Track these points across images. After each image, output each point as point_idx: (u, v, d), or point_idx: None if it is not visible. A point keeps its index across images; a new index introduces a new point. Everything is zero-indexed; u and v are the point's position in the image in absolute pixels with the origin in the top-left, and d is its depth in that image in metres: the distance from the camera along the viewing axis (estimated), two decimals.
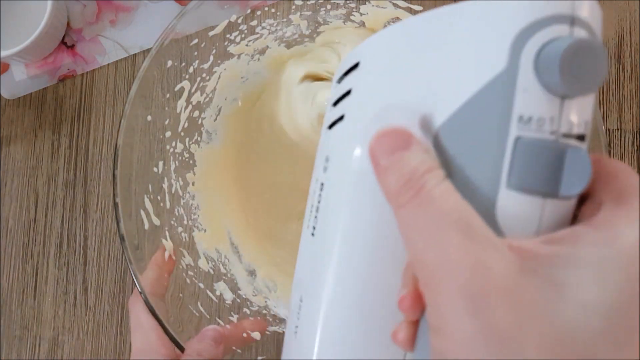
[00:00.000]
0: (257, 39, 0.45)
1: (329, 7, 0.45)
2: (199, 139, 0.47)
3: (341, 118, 0.27)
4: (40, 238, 0.54)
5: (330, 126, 0.27)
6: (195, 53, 0.43)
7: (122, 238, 0.37)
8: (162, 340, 0.35)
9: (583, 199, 0.22)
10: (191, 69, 0.43)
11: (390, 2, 0.44)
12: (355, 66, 0.27)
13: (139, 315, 0.36)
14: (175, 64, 0.42)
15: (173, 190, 0.44)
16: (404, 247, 0.21)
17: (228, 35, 0.44)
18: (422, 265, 0.20)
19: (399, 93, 0.24)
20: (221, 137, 0.49)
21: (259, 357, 0.41)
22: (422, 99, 0.23)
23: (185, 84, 0.43)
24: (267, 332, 0.43)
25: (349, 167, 0.25)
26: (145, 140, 0.42)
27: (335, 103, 0.28)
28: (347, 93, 0.27)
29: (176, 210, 0.44)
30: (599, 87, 0.19)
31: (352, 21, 0.46)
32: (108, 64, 0.55)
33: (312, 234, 0.27)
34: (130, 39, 0.55)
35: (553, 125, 0.20)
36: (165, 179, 0.43)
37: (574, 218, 0.21)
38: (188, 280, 0.42)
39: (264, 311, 0.45)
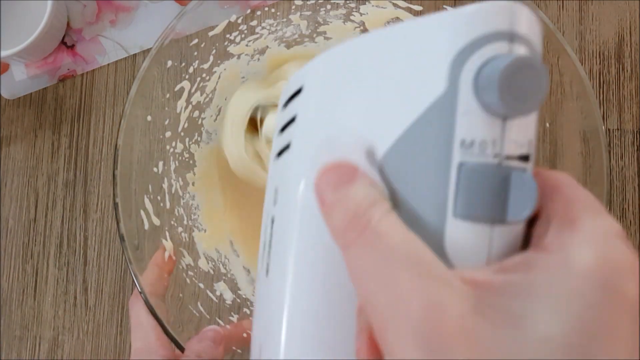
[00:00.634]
0: (257, 39, 0.46)
1: (329, 7, 0.45)
2: (199, 139, 0.47)
3: (288, 146, 0.25)
4: (40, 238, 0.54)
5: (278, 154, 0.26)
6: (195, 53, 0.43)
7: (122, 238, 0.37)
8: (162, 341, 0.35)
9: (533, 219, 0.21)
10: (191, 69, 0.43)
11: (390, 2, 0.44)
12: (299, 91, 0.25)
13: (138, 315, 0.36)
14: (175, 64, 0.42)
15: (173, 190, 0.44)
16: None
17: (228, 35, 0.44)
18: (373, 308, 0.18)
19: (343, 120, 0.23)
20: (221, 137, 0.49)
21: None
22: (366, 127, 0.22)
23: (185, 84, 0.43)
24: None
25: (296, 201, 0.24)
26: (145, 140, 0.42)
27: (282, 130, 0.26)
28: (293, 119, 0.25)
29: (176, 210, 0.44)
30: (540, 105, 0.19)
31: (352, 21, 0.46)
32: (108, 64, 0.55)
33: (266, 274, 0.25)
34: (130, 39, 0.55)
35: (495, 147, 0.20)
36: (165, 179, 0.43)
37: (527, 240, 0.20)
38: (188, 280, 0.42)
39: None
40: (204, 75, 0.44)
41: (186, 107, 0.44)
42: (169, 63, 0.42)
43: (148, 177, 0.42)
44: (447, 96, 0.20)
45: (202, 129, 0.47)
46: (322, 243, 0.22)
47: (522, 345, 0.16)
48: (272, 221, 0.25)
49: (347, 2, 0.45)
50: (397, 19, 0.45)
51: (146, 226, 0.40)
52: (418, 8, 0.44)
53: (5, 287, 0.53)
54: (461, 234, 0.19)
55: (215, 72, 0.45)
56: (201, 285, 0.43)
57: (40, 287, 0.53)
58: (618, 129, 0.52)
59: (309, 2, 0.45)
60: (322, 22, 0.46)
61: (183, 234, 0.44)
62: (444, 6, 0.44)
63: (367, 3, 0.45)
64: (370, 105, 0.22)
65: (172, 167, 0.44)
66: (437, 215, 0.20)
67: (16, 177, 0.54)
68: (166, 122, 0.43)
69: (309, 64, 0.25)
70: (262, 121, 0.46)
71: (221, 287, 0.44)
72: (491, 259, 0.19)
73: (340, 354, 0.23)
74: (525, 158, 0.21)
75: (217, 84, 0.46)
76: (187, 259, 0.43)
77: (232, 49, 0.45)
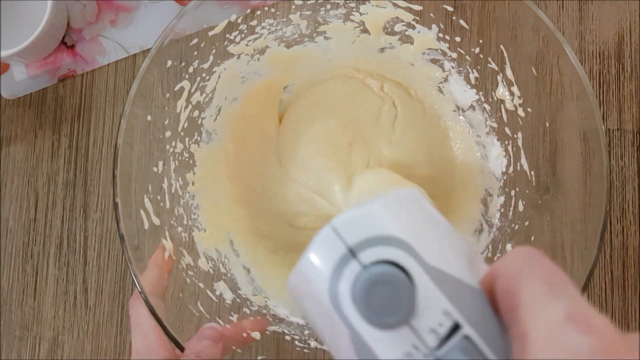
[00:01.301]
0: (257, 38, 0.45)
1: (328, 7, 0.45)
2: (198, 138, 0.47)
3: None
4: (40, 238, 0.54)
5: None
6: (195, 53, 0.43)
7: (122, 238, 0.37)
8: (162, 341, 0.35)
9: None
10: (191, 69, 0.43)
11: (390, 2, 0.44)
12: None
13: (139, 315, 0.36)
14: (175, 64, 0.42)
15: (173, 190, 0.44)
16: None
17: (228, 35, 0.44)
18: None
19: None
20: (221, 137, 0.49)
21: (259, 357, 0.41)
22: None
23: (185, 83, 0.43)
24: (267, 332, 0.43)
25: None
26: (145, 140, 0.42)
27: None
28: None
29: (176, 210, 0.44)
30: (407, 318, 0.19)
31: (352, 21, 0.46)
32: (108, 64, 0.55)
33: None
34: (130, 39, 0.55)
35: (422, 349, 0.20)
36: (165, 179, 0.43)
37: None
38: (188, 280, 0.42)
39: (264, 311, 0.45)
40: (203, 75, 0.44)
41: (186, 107, 0.44)
42: (169, 63, 0.41)
43: (148, 177, 0.42)
44: (351, 330, 0.21)
45: (202, 128, 0.47)
46: None
47: None
48: None
49: (347, 1, 0.45)
50: (397, 19, 0.45)
51: (146, 226, 0.40)
52: (418, 8, 0.44)
53: (5, 287, 0.53)
54: None
55: (215, 72, 0.45)
56: (201, 285, 0.43)
57: (40, 287, 0.53)
58: (618, 129, 0.52)
59: (309, 2, 0.45)
60: (322, 22, 0.46)
61: (183, 234, 0.44)
62: (444, 6, 0.44)
63: (367, 3, 0.45)
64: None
65: (172, 167, 0.44)
66: None
67: (16, 177, 0.54)
68: (166, 122, 0.43)
69: None
70: None
71: (221, 287, 0.44)
72: None
73: None
74: (456, 328, 0.21)
75: (217, 83, 0.46)
76: (187, 259, 0.43)
77: (232, 48, 0.45)
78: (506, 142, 0.46)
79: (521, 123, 0.44)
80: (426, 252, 0.21)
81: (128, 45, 0.55)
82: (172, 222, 0.43)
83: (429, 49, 0.46)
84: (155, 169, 0.42)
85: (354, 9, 0.45)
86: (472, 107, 0.47)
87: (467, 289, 0.21)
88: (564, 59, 0.51)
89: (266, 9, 0.45)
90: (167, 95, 0.43)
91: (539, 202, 0.43)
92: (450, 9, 0.44)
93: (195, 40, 0.43)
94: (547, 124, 0.42)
